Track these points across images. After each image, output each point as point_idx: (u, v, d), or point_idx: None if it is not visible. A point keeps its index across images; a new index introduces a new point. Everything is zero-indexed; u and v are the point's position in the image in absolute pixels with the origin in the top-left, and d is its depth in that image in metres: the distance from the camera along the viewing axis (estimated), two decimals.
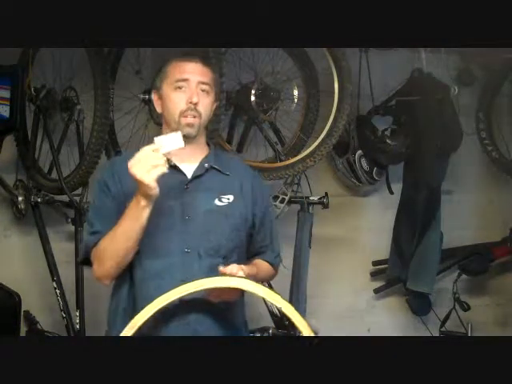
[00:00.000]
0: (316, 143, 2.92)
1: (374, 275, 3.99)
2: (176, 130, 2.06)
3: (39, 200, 3.09)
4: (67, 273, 3.07)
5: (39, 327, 3.14)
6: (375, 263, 3.96)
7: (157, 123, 3.00)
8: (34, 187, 3.11)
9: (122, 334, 1.87)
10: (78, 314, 2.94)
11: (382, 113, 3.68)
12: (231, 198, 2.11)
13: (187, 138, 2.05)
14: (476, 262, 3.89)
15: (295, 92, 3.06)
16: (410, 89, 3.61)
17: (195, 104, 2.07)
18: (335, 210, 3.30)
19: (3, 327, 2.89)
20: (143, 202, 1.95)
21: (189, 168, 2.12)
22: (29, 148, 3.10)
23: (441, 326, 3.75)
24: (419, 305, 3.86)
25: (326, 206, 3.16)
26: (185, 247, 2.04)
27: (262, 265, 2.18)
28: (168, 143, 1.95)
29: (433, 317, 3.86)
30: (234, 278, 1.90)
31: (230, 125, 3.13)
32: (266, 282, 2.40)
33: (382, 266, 3.92)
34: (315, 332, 1.85)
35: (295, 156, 3.03)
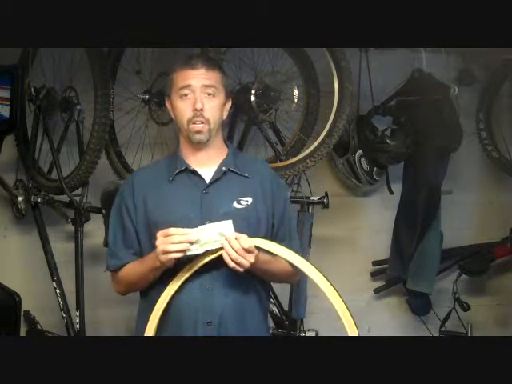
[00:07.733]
0: (316, 143, 2.91)
1: (374, 275, 3.99)
2: (187, 137, 2.12)
3: (39, 200, 3.08)
4: (67, 273, 3.06)
5: (39, 327, 3.14)
6: (375, 263, 3.96)
7: (157, 123, 3.01)
8: (34, 187, 3.10)
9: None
10: (77, 314, 2.93)
11: (381, 113, 3.68)
12: (250, 200, 2.12)
13: (200, 144, 2.12)
14: (476, 262, 3.90)
15: (295, 92, 3.05)
16: (410, 89, 3.61)
17: (201, 110, 2.08)
18: (335, 210, 3.29)
19: (3, 327, 2.88)
20: (158, 264, 2.03)
21: (207, 172, 2.13)
22: (29, 148, 3.10)
23: (441, 326, 3.75)
24: (419, 305, 3.86)
25: (326, 205, 3.16)
26: None
27: (280, 260, 2.13)
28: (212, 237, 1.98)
29: (433, 317, 3.86)
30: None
31: (230, 125, 3.13)
32: (287, 280, 2.39)
33: (382, 266, 3.92)
34: None
35: (295, 156, 3.03)
